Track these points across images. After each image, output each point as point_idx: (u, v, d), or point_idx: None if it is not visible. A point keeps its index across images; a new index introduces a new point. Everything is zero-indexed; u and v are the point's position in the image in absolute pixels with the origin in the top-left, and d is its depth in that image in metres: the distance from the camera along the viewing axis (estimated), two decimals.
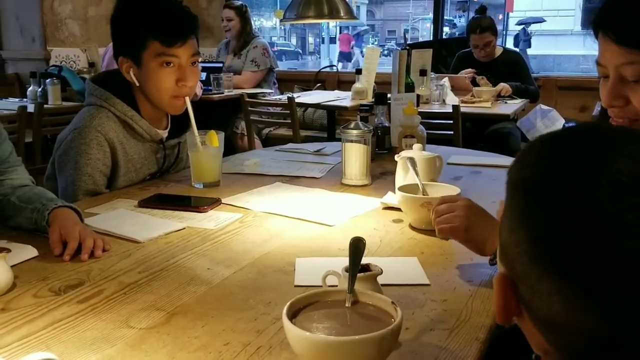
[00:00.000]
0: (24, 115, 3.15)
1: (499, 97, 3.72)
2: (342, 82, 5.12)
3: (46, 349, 0.78)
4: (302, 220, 1.35)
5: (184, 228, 1.29)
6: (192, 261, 1.11)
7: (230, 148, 4.19)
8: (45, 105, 3.48)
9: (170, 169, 1.77)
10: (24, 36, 4.49)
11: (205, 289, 0.98)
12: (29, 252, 1.12)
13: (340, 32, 17.38)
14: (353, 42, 17.45)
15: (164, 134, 1.68)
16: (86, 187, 1.53)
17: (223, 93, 4.34)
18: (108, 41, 1.65)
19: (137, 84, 1.57)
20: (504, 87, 3.77)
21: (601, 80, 0.96)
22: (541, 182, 0.47)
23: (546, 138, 0.52)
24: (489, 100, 3.62)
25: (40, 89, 3.76)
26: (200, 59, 1.62)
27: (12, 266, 0.99)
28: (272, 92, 4.60)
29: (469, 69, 3.98)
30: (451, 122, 3.21)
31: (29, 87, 3.87)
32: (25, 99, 3.85)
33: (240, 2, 4.61)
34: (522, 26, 14.43)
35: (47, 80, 3.72)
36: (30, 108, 3.30)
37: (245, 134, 4.08)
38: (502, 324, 0.53)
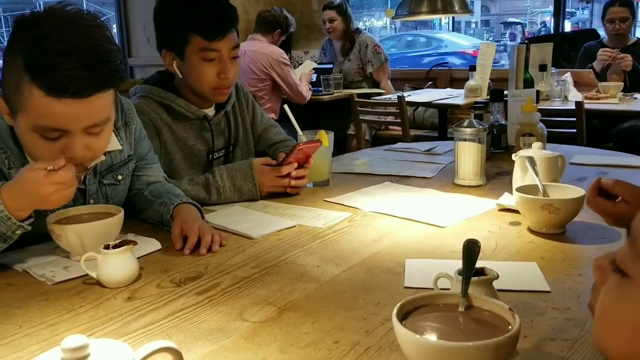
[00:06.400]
0: None
1: (626, 91, 3.44)
2: (455, 80, 4.97)
3: (167, 337, 0.82)
4: (412, 220, 1.32)
5: (295, 226, 1.31)
6: (302, 258, 1.12)
7: (340, 148, 4.24)
8: None
9: (232, 150, 1.77)
10: (150, 44, 4.83)
11: (314, 286, 0.99)
12: (153, 245, 1.20)
13: (453, 29, 16.72)
14: None
15: (210, 111, 1.70)
16: None
17: (333, 94, 4.38)
18: None
19: (181, 76, 1.62)
20: (625, 56, 3.48)
21: None
22: None
23: None
24: (617, 96, 3.35)
25: None
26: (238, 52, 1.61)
27: (138, 258, 1.06)
28: (383, 92, 4.58)
29: (607, 48, 3.70)
30: (574, 119, 3.01)
31: None
32: None
33: (339, 1, 4.59)
34: None
35: None
36: None
37: (354, 133, 4.10)
38: None
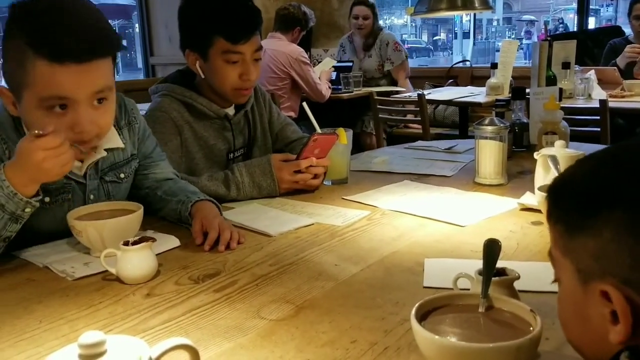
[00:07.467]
0: None
1: None
2: (476, 78, 4.92)
3: (184, 335, 0.83)
4: (431, 219, 1.31)
5: (313, 224, 1.31)
6: (320, 256, 1.12)
7: (359, 146, 4.22)
8: None
9: (251, 149, 1.79)
10: (172, 43, 4.86)
11: (332, 285, 0.99)
12: (172, 242, 1.20)
13: (474, 27, 16.48)
14: None
15: (230, 111, 1.70)
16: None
17: (352, 92, 4.37)
18: None
19: (203, 76, 1.62)
20: None
21: None
22: None
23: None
24: None
25: None
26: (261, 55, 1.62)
27: (156, 255, 1.07)
28: (403, 90, 4.56)
29: (634, 44, 3.63)
30: (598, 118, 2.95)
31: None
32: None
33: None
34: None
35: None
36: None
37: (374, 131, 4.07)
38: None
